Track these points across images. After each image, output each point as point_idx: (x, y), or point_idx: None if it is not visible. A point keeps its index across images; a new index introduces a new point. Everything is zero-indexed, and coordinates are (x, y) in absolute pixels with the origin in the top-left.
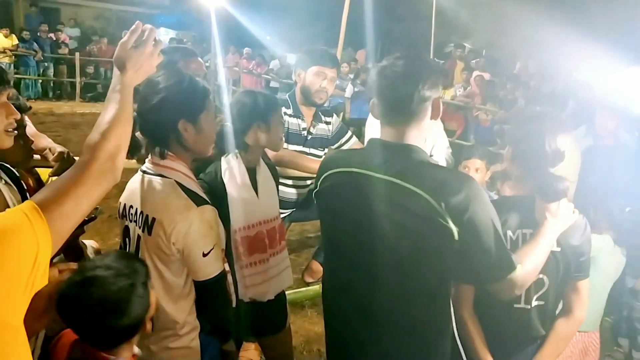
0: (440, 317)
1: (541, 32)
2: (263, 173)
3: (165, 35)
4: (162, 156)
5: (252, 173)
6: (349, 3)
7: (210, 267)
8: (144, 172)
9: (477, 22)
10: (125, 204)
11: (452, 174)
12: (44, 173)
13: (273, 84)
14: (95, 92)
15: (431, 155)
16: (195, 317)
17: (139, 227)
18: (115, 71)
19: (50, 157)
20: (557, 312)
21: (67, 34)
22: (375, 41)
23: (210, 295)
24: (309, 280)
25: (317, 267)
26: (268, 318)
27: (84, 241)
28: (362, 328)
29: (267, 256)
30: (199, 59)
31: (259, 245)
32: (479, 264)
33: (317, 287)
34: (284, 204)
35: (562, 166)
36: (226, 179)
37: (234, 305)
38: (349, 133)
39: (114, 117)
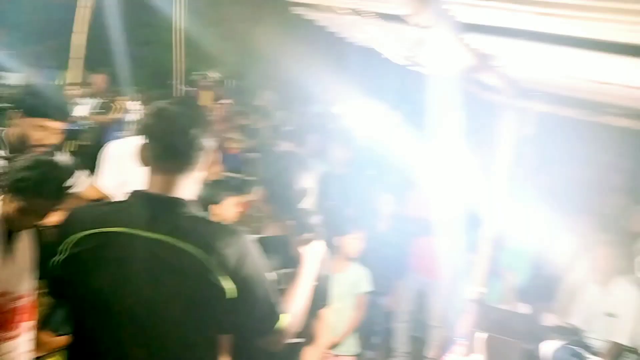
0: None
1: (286, 67)
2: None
3: None
4: None
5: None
6: (88, 24)
7: None
8: None
9: (226, 53)
10: None
11: (222, 229)
12: None
13: None
14: None
15: None
16: None
17: None
18: None
19: None
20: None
21: None
22: (119, 64)
23: None
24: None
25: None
26: None
27: None
28: None
29: None
30: None
31: None
32: (250, 318)
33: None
34: None
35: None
36: None
37: None
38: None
39: None
